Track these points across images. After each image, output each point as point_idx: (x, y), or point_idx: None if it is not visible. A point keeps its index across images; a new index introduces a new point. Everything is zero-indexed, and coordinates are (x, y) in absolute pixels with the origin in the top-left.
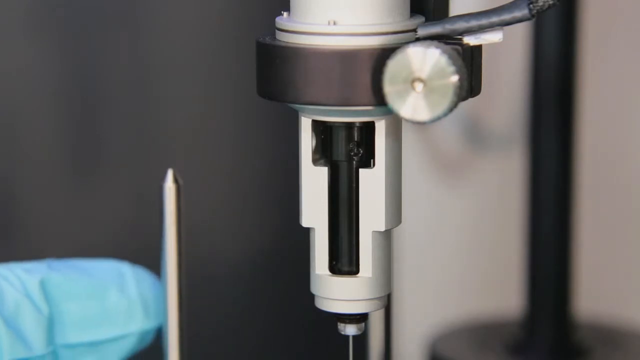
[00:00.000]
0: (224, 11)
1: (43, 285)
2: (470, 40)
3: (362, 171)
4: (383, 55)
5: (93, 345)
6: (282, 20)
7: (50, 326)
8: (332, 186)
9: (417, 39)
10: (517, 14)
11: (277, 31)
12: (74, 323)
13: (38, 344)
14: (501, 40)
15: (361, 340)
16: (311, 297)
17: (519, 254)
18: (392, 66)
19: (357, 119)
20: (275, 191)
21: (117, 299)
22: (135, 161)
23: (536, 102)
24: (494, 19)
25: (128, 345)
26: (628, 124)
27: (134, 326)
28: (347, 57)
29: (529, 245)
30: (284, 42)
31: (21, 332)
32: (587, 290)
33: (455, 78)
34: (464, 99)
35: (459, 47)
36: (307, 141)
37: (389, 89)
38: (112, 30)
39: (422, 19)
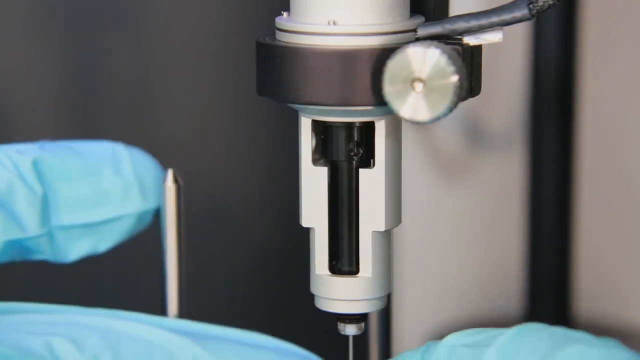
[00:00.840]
0: (224, 11)
1: (36, 165)
2: (470, 40)
3: (362, 171)
4: (383, 55)
5: (89, 226)
6: (282, 20)
7: (45, 207)
8: (332, 186)
9: (417, 39)
10: (517, 14)
11: (277, 31)
12: (68, 204)
13: (32, 225)
14: (501, 40)
15: (361, 340)
16: (311, 297)
17: (519, 254)
18: (392, 66)
19: (357, 119)
20: (275, 191)
21: (112, 179)
22: None
23: (536, 102)
24: (494, 19)
25: (125, 227)
26: (628, 123)
27: (130, 207)
28: (347, 57)
29: (529, 245)
30: (283, 42)
31: (15, 213)
32: (587, 290)
33: (455, 78)
34: (464, 99)
35: (459, 47)
36: (307, 141)
37: (388, 89)
38: (112, 30)
39: (422, 19)
